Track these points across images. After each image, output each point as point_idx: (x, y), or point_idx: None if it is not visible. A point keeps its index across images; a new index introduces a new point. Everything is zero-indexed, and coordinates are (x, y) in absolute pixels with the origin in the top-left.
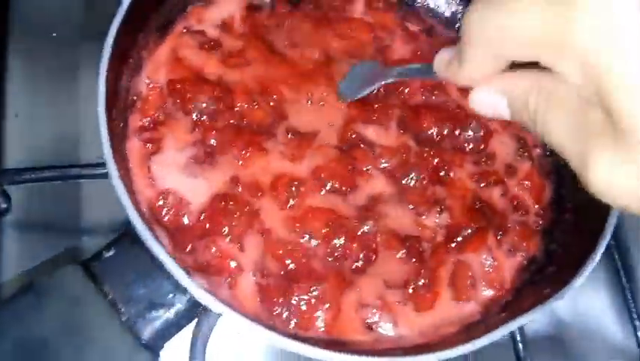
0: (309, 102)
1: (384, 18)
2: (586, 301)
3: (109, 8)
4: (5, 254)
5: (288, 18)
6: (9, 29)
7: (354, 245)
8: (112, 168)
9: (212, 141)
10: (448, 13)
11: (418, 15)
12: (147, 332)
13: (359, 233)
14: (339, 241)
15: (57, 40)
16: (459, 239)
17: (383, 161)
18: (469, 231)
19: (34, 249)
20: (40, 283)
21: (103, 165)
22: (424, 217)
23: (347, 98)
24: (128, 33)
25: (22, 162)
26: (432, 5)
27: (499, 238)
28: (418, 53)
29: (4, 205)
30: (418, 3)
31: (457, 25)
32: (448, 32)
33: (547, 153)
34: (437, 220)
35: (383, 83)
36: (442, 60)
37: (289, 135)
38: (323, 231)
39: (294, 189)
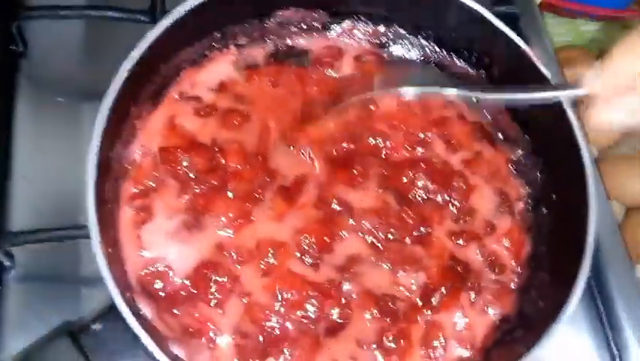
0: (297, 152)
1: (373, 70)
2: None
3: (111, 71)
4: (8, 308)
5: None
6: (17, 94)
7: (329, 307)
8: (96, 245)
9: (200, 208)
10: (437, 64)
11: (407, 66)
12: None
13: (334, 294)
14: (313, 307)
15: (62, 104)
16: (433, 299)
17: (363, 222)
18: (444, 290)
19: (35, 305)
20: (33, 355)
21: None
22: (400, 276)
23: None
24: (121, 107)
25: (26, 223)
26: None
27: (473, 297)
28: (407, 108)
29: (7, 263)
30: (406, 54)
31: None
32: None
33: (529, 208)
34: (413, 280)
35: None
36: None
37: (275, 196)
38: (298, 295)
39: (272, 253)
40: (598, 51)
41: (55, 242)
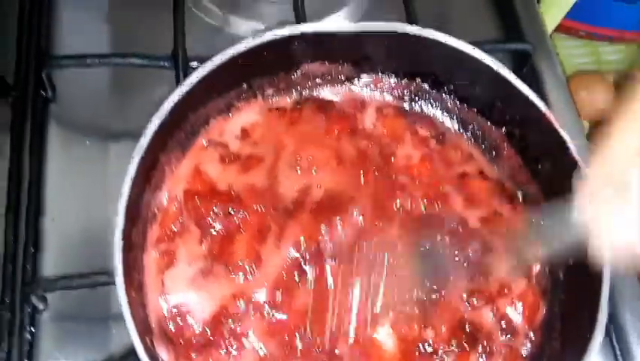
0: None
1: (394, 124)
2: None
3: (137, 113)
4: (41, 349)
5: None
6: (47, 138)
7: None
8: (121, 292)
9: (217, 254)
10: (458, 119)
11: (430, 120)
12: None
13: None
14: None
15: (91, 146)
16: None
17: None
18: (455, 348)
19: (67, 344)
20: None
21: None
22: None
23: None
24: (150, 156)
25: (57, 266)
26: (442, 110)
27: (481, 358)
28: (427, 160)
29: (41, 307)
30: (428, 109)
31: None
32: (459, 138)
33: (547, 271)
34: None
35: None
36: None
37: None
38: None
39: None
40: (616, 75)
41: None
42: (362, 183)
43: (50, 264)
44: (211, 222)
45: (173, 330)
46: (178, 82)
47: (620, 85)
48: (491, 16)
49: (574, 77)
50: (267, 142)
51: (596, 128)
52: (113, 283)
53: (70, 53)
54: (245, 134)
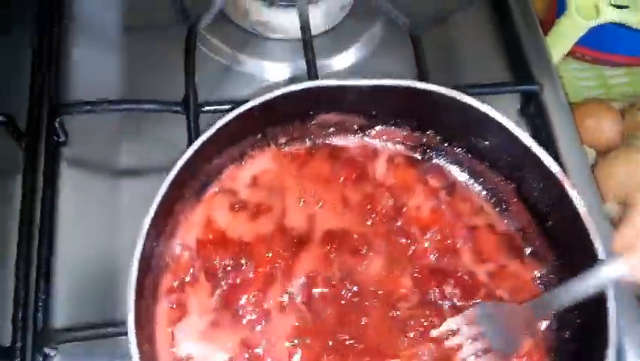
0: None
1: (405, 174)
2: None
3: (149, 153)
4: None
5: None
6: (59, 180)
7: None
8: (134, 347)
9: (226, 305)
10: (469, 171)
11: (441, 171)
12: None
13: None
14: None
15: (102, 186)
16: None
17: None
18: None
19: None
20: None
21: None
22: None
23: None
24: (166, 206)
25: (68, 312)
26: (454, 162)
27: None
28: (438, 212)
29: (52, 354)
30: (439, 160)
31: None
32: (469, 190)
33: (554, 328)
34: None
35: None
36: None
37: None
38: None
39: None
40: (623, 103)
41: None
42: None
43: (62, 310)
44: (221, 273)
45: None
46: (189, 127)
47: (627, 112)
48: (500, 56)
49: (580, 106)
50: (275, 186)
51: (602, 157)
52: (126, 334)
53: (82, 100)
54: (254, 181)
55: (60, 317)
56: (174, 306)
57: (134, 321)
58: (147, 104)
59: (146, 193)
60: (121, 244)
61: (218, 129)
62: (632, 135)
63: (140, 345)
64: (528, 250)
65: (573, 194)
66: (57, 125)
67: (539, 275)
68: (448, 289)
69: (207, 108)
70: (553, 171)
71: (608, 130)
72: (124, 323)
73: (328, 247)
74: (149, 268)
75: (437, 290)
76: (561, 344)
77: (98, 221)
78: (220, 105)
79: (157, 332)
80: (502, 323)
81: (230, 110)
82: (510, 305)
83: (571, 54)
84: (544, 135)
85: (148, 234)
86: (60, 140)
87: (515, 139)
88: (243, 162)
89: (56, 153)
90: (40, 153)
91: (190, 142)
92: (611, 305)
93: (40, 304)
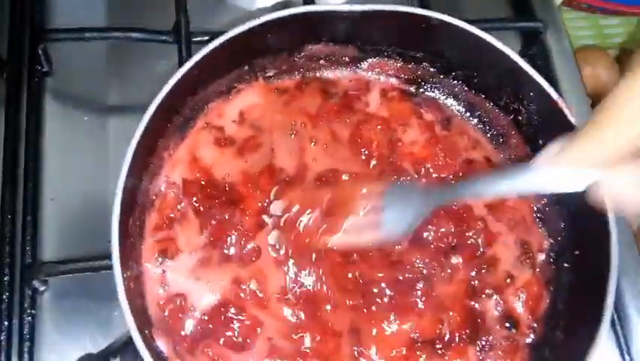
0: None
1: (399, 107)
2: None
3: (137, 87)
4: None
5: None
6: (44, 113)
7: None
8: (119, 282)
9: (215, 242)
10: (465, 104)
11: (436, 104)
12: None
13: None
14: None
15: (88, 122)
16: (438, 346)
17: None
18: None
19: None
20: None
21: None
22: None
23: (396, 234)
24: (148, 142)
25: (57, 248)
26: (450, 94)
27: (481, 351)
28: (433, 146)
29: (42, 288)
30: (434, 94)
31: (476, 114)
32: (465, 123)
33: (552, 260)
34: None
35: (432, 209)
36: (551, 152)
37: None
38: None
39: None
40: (618, 49)
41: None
42: (364, 164)
43: (50, 245)
44: (209, 210)
45: (172, 321)
46: (180, 57)
47: (623, 60)
48: None
49: (577, 53)
50: (263, 123)
51: (596, 104)
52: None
53: (68, 26)
54: (241, 117)
55: (49, 252)
56: (162, 243)
57: (119, 258)
58: (137, 32)
59: (134, 130)
60: (108, 180)
61: (203, 57)
62: None
63: (127, 285)
64: None
65: (575, 122)
66: (40, 52)
67: (538, 207)
68: (441, 227)
69: (199, 38)
70: (555, 98)
71: (604, 77)
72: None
73: (319, 190)
74: (135, 205)
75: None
76: (559, 275)
77: (85, 157)
78: (213, 36)
79: (144, 270)
80: (402, 203)
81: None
82: (413, 184)
83: (566, 3)
84: (546, 78)
85: (131, 170)
86: (44, 69)
87: (515, 66)
88: (229, 96)
89: (40, 83)
90: (23, 82)
91: None
92: (613, 231)
93: (28, 237)
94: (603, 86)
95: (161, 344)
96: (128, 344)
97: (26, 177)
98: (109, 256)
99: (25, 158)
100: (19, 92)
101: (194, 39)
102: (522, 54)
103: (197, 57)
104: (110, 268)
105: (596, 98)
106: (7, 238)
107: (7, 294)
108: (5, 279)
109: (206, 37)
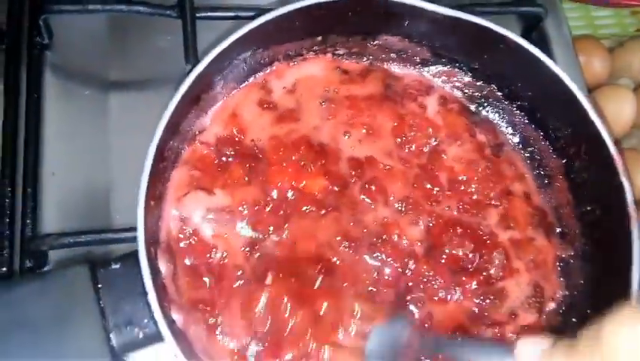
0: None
1: (455, 119)
2: None
3: (138, 62)
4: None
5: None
6: (44, 86)
7: None
8: (142, 194)
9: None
10: (521, 136)
11: (493, 127)
12: (118, 343)
13: None
14: None
15: (89, 96)
16: None
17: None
18: None
19: None
20: (51, 274)
21: (133, 229)
22: None
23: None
24: (208, 77)
25: (57, 221)
26: (508, 123)
27: None
28: (476, 167)
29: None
30: (494, 117)
31: (529, 149)
32: (516, 155)
33: (561, 311)
34: None
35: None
36: (534, 349)
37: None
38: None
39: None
40: (611, 41)
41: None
42: (401, 163)
43: (51, 219)
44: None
45: (179, 248)
46: (185, 32)
47: (615, 52)
48: None
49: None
50: (312, 97)
51: (591, 94)
52: (117, 241)
53: None
54: (294, 86)
55: (49, 226)
56: (191, 177)
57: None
58: (141, 6)
59: (136, 105)
60: (110, 154)
61: (285, 14)
62: (618, 75)
63: (148, 199)
64: (558, 230)
65: (627, 189)
66: (41, 23)
67: (563, 257)
68: (464, 244)
69: (204, 14)
70: (612, 153)
71: (598, 67)
72: (118, 230)
73: (351, 172)
74: (176, 132)
75: (449, 243)
76: (565, 328)
77: (86, 131)
78: (220, 12)
79: (168, 194)
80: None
81: (232, 18)
82: (419, 332)
83: None
84: None
85: (185, 96)
86: (44, 42)
87: (582, 113)
88: (295, 62)
89: (40, 56)
90: (23, 54)
91: (186, 51)
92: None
93: (29, 211)
94: (595, 76)
95: (162, 266)
96: (131, 255)
97: (26, 150)
98: (113, 229)
99: (25, 131)
100: (18, 64)
101: (198, 14)
102: None
103: (281, 11)
104: (114, 241)
105: (588, 89)
106: (7, 211)
107: (4, 269)
108: (5, 252)
109: (211, 14)
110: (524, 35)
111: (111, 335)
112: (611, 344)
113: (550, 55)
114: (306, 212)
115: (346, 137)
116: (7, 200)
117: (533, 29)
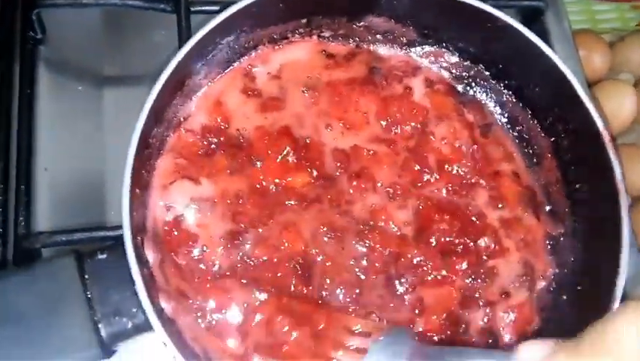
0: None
1: (442, 100)
2: None
3: (133, 57)
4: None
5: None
6: (37, 82)
7: None
8: (126, 185)
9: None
10: (509, 115)
11: (481, 107)
12: (106, 333)
13: None
14: None
15: (82, 92)
16: None
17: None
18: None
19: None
20: (38, 265)
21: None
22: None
23: None
24: (190, 61)
25: (50, 217)
26: (495, 102)
27: None
28: (466, 148)
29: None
30: (481, 97)
31: (518, 128)
32: (505, 134)
33: (552, 289)
34: None
35: None
36: (538, 355)
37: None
38: None
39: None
40: (611, 36)
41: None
42: (389, 147)
43: (44, 215)
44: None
45: (165, 237)
46: (180, 27)
47: (615, 46)
48: None
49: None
50: (297, 82)
51: (591, 88)
52: (113, 239)
53: None
54: (279, 72)
55: (43, 223)
56: (177, 165)
57: (133, 158)
58: (136, 0)
59: (130, 101)
60: (103, 150)
61: None
62: (618, 69)
63: (133, 188)
64: (547, 208)
65: (617, 170)
66: (34, 18)
67: (552, 235)
68: (453, 226)
69: (198, 8)
70: (601, 131)
71: (598, 62)
72: (111, 228)
73: (337, 164)
74: (160, 121)
75: (438, 225)
76: (556, 305)
77: (79, 127)
78: (214, 6)
79: (154, 182)
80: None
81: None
82: (419, 344)
83: None
84: None
85: (168, 81)
86: (37, 36)
87: (571, 92)
88: (280, 45)
89: (33, 51)
90: (16, 48)
91: (181, 45)
92: (622, 277)
93: (22, 207)
94: (595, 70)
95: (149, 254)
96: (117, 245)
97: (19, 146)
98: (108, 226)
99: (18, 127)
100: (11, 60)
101: (193, 9)
102: None
103: None
104: (109, 238)
105: (588, 84)
106: (0, 208)
107: None
108: None
109: (205, 8)
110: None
111: (100, 326)
112: (619, 342)
113: (549, 47)
114: (289, 206)
115: (328, 129)
116: (0, 197)
117: (533, 22)
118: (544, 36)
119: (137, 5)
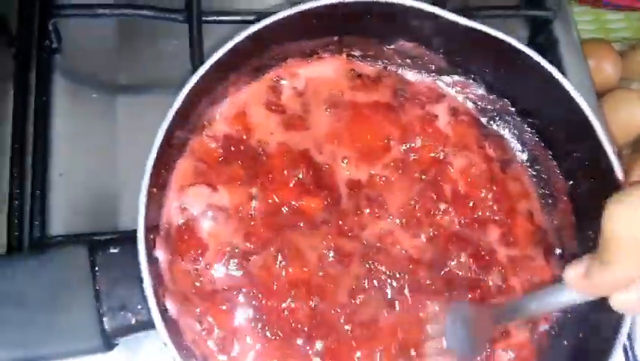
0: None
1: (465, 131)
2: None
3: (146, 65)
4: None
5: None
6: (52, 89)
7: None
8: (145, 181)
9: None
10: (530, 154)
11: (502, 143)
12: (110, 326)
13: None
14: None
15: (97, 99)
16: None
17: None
18: None
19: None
20: (49, 253)
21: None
22: None
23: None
24: (222, 69)
25: (64, 222)
26: (517, 139)
27: None
28: (483, 182)
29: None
30: (504, 132)
31: (537, 168)
32: (523, 172)
33: (553, 333)
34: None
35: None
36: (577, 273)
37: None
38: None
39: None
40: (623, 45)
41: None
42: (401, 180)
43: (59, 220)
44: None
45: (178, 238)
46: (191, 36)
47: (626, 55)
48: None
49: (582, 46)
50: (320, 101)
51: (602, 98)
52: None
53: (79, 2)
54: (305, 87)
55: (57, 227)
56: (196, 168)
57: (155, 156)
58: (148, 10)
59: (143, 108)
60: (117, 157)
61: (304, 11)
62: (629, 78)
63: (151, 186)
64: (558, 251)
65: None
66: (51, 27)
67: (560, 278)
68: (462, 258)
69: (210, 18)
70: (620, 180)
71: (609, 71)
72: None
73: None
74: (186, 120)
75: (450, 257)
76: (556, 350)
77: (94, 133)
78: (226, 16)
79: (172, 182)
80: (465, 324)
81: (239, 22)
82: (478, 307)
83: None
84: None
85: (197, 85)
86: (53, 45)
87: (593, 136)
88: (309, 60)
89: (50, 60)
90: (33, 57)
91: (192, 55)
92: (623, 332)
93: (37, 212)
94: (605, 80)
95: (160, 254)
96: (130, 241)
97: (35, 152)
98: (118, 232)
99: (34, 133)
100: (28, 68)
101: (205, 18)
102: (529, 43)
103: (298, 9)
104: (120, 243)
105: (599, 93)
106: (16, 212)
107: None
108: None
109: (219, 18)
110: (532, 38)
111: (104, 319)
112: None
113: (558, 58)
114: (299, 227)
115: (344, 162)
116: (16, 201)
117: (541, 32)
118: (552, 46)
119: (149, 15)
